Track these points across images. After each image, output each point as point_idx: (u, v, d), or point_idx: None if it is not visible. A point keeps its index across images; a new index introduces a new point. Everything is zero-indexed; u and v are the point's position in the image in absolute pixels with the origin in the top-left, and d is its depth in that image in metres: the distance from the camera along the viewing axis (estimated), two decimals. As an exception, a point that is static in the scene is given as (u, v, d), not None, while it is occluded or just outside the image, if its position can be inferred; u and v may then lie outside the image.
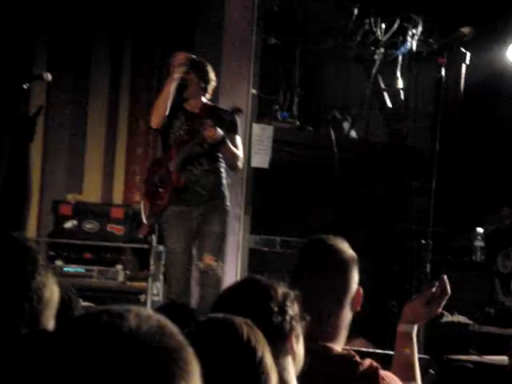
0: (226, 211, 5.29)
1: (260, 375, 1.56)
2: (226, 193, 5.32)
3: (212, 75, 5.43)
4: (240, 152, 5.41)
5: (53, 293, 1.35)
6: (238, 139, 5.42)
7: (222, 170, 5.36)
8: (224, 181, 5.35)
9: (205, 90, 5.41)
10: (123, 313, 1.08)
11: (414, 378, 2.59)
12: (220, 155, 5.34)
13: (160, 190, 5.30)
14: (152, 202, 5.30)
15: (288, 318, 1.91)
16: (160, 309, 3.21)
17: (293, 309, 1.93)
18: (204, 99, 5.44)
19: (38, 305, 1.32)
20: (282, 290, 1.97)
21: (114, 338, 1.05)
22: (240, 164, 5.46)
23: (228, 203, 5.32)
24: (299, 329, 1.93)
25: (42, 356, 1.07)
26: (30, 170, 6.20)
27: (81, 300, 5.29)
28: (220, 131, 5.23)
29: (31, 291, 1.31)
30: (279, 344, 1.87)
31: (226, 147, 5.29)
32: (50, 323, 1.35)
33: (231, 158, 5.33)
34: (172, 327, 1.10)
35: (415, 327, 2.71)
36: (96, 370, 1.03)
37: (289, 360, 1.92)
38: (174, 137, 5.39)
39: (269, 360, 1.58)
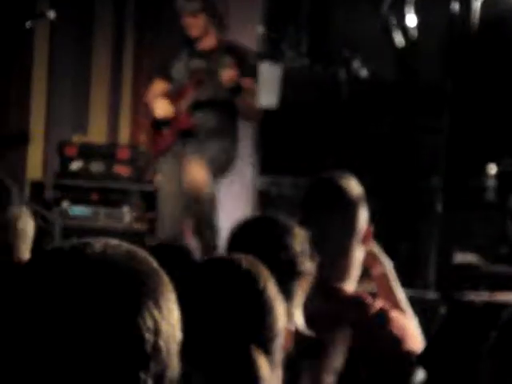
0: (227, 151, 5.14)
1: (263, 305, 1.55)
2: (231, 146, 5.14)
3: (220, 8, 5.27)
4: (257, 103, 5.25)
5: (27, 224, 1.33)
6: (253, 83, 5.27)
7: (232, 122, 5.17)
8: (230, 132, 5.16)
9: (218, 26, 5.25)
10: (88, 241, 1.07)
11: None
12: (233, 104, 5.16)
13: (163, 128, 5.21)
14: (154, 141, 5.22)
15: (302, 257, 1.90)
16: (154, 248, 3.14)
17: (306, 248, 1.93)
18: (213, 32, 5.29)
19: (11, 236, 1.31)
20: (297, 229, 1.97)
21: (76, 261, 1.04)
22: (256, 117, 5.29)
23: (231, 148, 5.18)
24: (311, 269, 1.92)
25: (8, 287, 1.05)
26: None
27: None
28: (237, 77, 5.04)
29: (5, 221, 1.30)
30: (292, 282, 1.86)
31: (243, 97, 5.11)
32: (25, 255, 1.33)
33: (247, 110, 5.16)
34: (142, 254, 1.08)
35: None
36: (61, 295, 1.01)
37: (300, 300, 1.91)
38: (179, 78, 5.25)
39: (272, 290, 1.57)
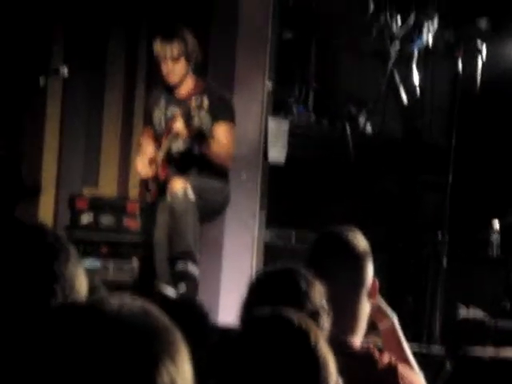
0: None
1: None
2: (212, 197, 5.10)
3: (194, 41, 5.11)
4: (228, 147, 5.10)
5: (82, 284, 1.37)
6: (229, 129, 5.12)
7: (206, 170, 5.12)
8: (206, 184, 5.10)
9: (197, 70, 5.22)
10: (104, 298, 1.08)
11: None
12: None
13: (149, 184, 5.25)
14: (145, 191, 5.27)
15: (322, 311, 1.91)
16: (170, 304, 3.19)
17: (325, 302, 1.94)
18: (192, 78, 5.19)
19: (69, 294, 1.34)
20: (317, 282, 1.97)
21: (92, 319, 1.05)
22: (229, 161, 5.18)
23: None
24: (328, 323, 1.93)
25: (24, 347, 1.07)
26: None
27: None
28: (193, 131, 4.97)
29: (64, 280, 1.33)
30: None
31: (206, 147, 5.01)
32: None
33: (217, 157, 5.07)
34: (156, 311, 1.09)
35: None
36: (79, 353, 1.03)
37: None
38: (156, 126, 5.25)
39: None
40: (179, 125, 4.96)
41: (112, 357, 1.02)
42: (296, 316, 1.59)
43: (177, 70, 5.15)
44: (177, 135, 5.03)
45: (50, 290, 1.32)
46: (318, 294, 2.01)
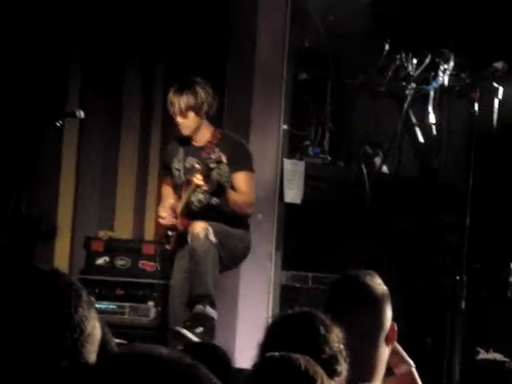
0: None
1: None
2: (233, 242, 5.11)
3: (206, 93, 5.12)
4: (248, 196, 5.19)
5: (95, 328, 1.35)
6: (248, 177, 5.20)
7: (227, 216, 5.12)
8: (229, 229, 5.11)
9: (206, 115, 5.22)
10: (156, 351, 1.09)
11: None
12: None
13: (169, 233, 5.26)
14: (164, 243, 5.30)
15: (340, 356, 1.89)
16: (191, 348, 3.17)
17: (343, 348, 1.92)
18: (207, 127, 5.22)
19: (80, 338, 1.32)
20: (335, 327, 1.95)
21: (150, 367, 1.06)
22: (250, 209, 5.23)
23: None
24: (346, 369, 1.91)
25: None
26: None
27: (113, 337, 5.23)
28: (213, 184, 5.00)
29: (74, 324, 1.31)
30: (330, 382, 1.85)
31: (226, 198, 5.05)
32: (92, 357, 1.34)
33: (238, 207, 5.10)
34: (203, 370, 1.10)
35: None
36: None
37: None
38: (176, 178, 5.28)
39: None
40: (198, 179, 4.97)
41: None
42: (304, 361, 1.58)
43: (186, 123, 5.18)
44: (196, 188, 5.05)
45: (59, 335, 1.31)
46: (337, 338, 1.99)
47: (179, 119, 5.19)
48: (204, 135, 5.25)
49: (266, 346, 1.99)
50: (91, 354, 1.35)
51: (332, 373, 1.94)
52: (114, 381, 1.06)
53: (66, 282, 1.37)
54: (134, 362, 1.08)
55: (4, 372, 1.28)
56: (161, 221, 5.38)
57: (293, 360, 1.60)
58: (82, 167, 6.47)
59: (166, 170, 5.55)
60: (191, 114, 5.15)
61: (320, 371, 1.57)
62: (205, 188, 5.00)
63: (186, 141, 5.30)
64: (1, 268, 1.38)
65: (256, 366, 1.63)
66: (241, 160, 5.16)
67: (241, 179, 5.14)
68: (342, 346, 1.98)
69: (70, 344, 1.32)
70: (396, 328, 2.46)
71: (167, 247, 5.34)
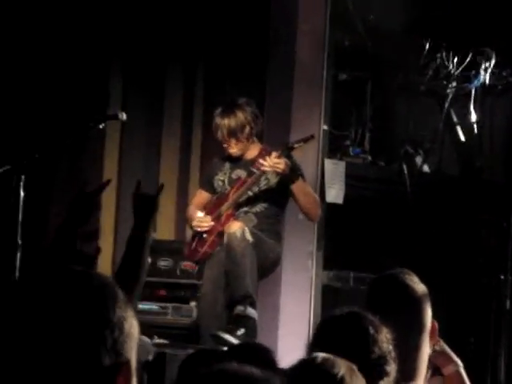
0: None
1: None
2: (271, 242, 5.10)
3: (249, 115, 5.12)
4: (314, 197, 5.18)
5: (132, 326, 1.37)
6: (307, 182, 5.21)
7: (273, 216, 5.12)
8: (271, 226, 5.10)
9: (253, 135, 5.19)
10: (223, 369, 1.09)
11: None
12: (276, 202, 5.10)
13: (204, 235, 5.24)
14: (194, 247, 5.28)
15: (389, 356, 1.89)
16: (234, 349, 3.18)
17: (392, 348, 1.92)
18: (255, 145, 5.24)
19: (119, 337, 1.34)
20: (383, 327, 1.95)
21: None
22: (318, 210, 5.21)
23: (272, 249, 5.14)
24: (394, 370, 1.91)
25: None
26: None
27: (156, 337, 5.27)
28: (289, 162, 4.99)
29: (113, 324, 1.33)
30: (379, 382, 1.85)
31: (298, 185, 5.01)
32: (132, 354, 1.36)
33: (307, 201, 5.06)
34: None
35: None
36: None
37: None
38: (218, 188, 5.27)
39: None
40: (270, 162, 4.94)
41: None
42: (344, 366, 1.57)
43: (234, 144, 5.17)
44: (262, 174, 5.03)
45: (99, 336, 1.33)
46: (385, 339, 1.99)
47: (226, 143, 5.19)
48: (253, 152, 5.26)
49: (314, 346, 1.99)
50: (131, 351, 1.38)
51: (381, 373, 1.94)
52: None
53: (101, 282, 1.39)
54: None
55: (48, 376, 1.30)
56: (194, 222, 5.32)
57: (333, 366, 1.59)
58: (123, 169, 6.53)
59: (205, 184, 5.52)
60: (236, 138, 5.16)
61: (355, 377, 1.56)
62: (281, 167, 4.92)
63: (232, 157, 5.29)
64: (38, 271, 1.40)
65: (295, 365, 1.63)
66: (296, 169, 5.16)
67: (301, 184, 5.12)
68: (390, 347, 1.98)
69: (111, 344, 1.33)
70: (436, 326, 2.46)
71: (199, 249, 5.28)
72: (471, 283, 6.63)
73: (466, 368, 2.68)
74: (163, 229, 6.45)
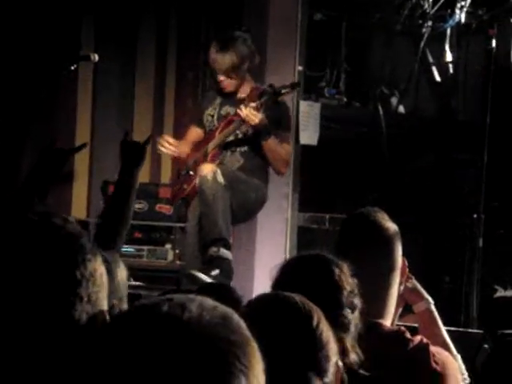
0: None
1: (318, 339, 1.57)
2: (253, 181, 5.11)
3: (248, 50, 5.09)
4: (286, 153, 5.16)
5: (103, 275, 1.36)
6: (287, 137, 5.18)
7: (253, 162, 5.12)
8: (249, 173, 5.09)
9: (248, 71, 5.18)
10: (185, 302, 1.05)
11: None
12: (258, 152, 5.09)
13: (191, 172, 5.23)
14: (179, 185, 5.27)
15: (355, 292, 1.92)
16: (203, 289, 3.20)
17: (355, 284, 1.94)
18: (248, 81, 5.23)
19: (92, 290, 1.33)
20: (345, 265, 1.98)
21: (173, 327, 1.03)
22: (284, 168, 5.21)
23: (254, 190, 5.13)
24: (360, 302, 1.94)
25: (99, 347, 1.06)
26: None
27: (131, 279, 5.28)
28: (264, 120, 4.95)
29: (86, 279, 1.32)
30: (349, 317, 1.88)
31: (269, 143, 5.04)
32: (104, 303, 1.36)
33: (274, 159, 5.06)
34: (237, 319, 1.07)
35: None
36: (152, 360, 1.01)
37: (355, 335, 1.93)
38: (207, 124, 5.25)
39: (325, 326, 1.59)
40: (247, 112, 4.90)
41: (187, 368, 1.01)
42: (299, 297, 1.61)
43: (229, 81, 5.12)
44: (242, 123, 5.00)
45: (73, 295, 1.31)
46: (350, 278, 2.02)
47: (222, 78, 5.13)
48: (245, 90, 5.22)
49: (278, 286, 2.01)
50: (103, 301, 1.37)
51: (352, 307, 1.98)
52: (129, 336, 1.05)
53: (67, 236, 1.36)
54: (153, 316, 1.05)
55: (19, 334, 1.28)
56: (161, 147, 5.28)
57: (287, 297, 1.62)
58: (97, 112, 6.48)
59: (196, 120, 5.47)
60: (234, 73, 5.10)
61: (316, 308, 1.59)
62: (254, 121, 4.90)
63: (223, 93, 5.25)
64: (3, 221, 1.37)
65: (251, 303, 1.64)
66: (281, 121, 5.12)
67: (271, 143, 5.08)
68: (355, 280, 2.02)
69: (87, 300, 1.32)
70: (406, 263, 2.48)
71: (184, 187, 5.29)
72: (446, 222, 6.68)
73: (440, 306, 2.71)
74: (138, 172, 6.42)
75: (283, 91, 5.09)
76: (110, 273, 2.32)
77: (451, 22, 6.80)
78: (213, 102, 5.30)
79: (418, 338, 2.33)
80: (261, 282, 5.67)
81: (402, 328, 2.38)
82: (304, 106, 6.35)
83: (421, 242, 6.37)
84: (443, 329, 2.62)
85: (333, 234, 6.11)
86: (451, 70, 6.94)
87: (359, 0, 6.85)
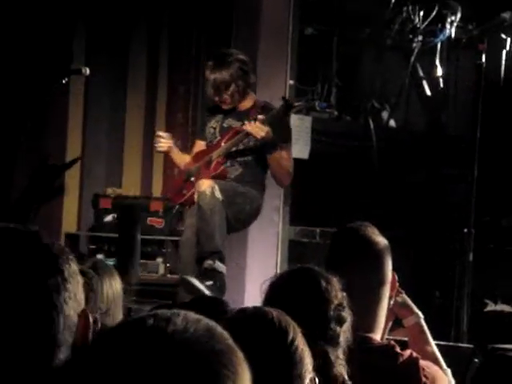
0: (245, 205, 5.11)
1: (293, 355, 1.57)
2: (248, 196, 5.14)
3: (241, 67, 5.11)
4: (290, 166, 5.21)
5: (81, 293, 1.36)
6: (289, 151, 5.21)
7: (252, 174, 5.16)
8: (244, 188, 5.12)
9: (241, 89, 5.19)
10: (170, 316, 1.07)
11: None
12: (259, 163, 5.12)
13: (192, 179, 5.23)
14: (179, 191, 5.27)
15: (343, 306, 1.92)
16: (197, 302, 3.19)
17: (345, 298, 1.94)
18: (249, 95, 5.24)
19: (74, 297, 1.33)
20: (334, 279, 1.98)
21: (159, 340, 1.05)
22: (287, 181, 5.26)
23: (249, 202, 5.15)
24: (350, 317, 1.94)
25: (86, 361, 1.07)
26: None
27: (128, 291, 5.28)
28: (270, 133, 4.98)
29: (61, 304, 1.32)
30: (337, 331, 1.88)
31: (274, 156, 5.07)
32: (82, 303, 1.36)
33: (279, 171, 5.11)
34: (221, 331, 1.08)
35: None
36: (139, 373, 1.02)
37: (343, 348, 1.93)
38: (209, 136, 5.27)
39: (301, 342, 1.59)
40: (252, 126, 4.92)
41: (174, 380, 1.02)
42: (276, 313, 1.62)
43: (223, 98, 5.14)
44: (246, 136, 5.02)
45: (48, 317, 1.31)
46: (338, 291, 2.02)
47: (216, 98, 5.15)
48: (247, 104, 5.23)
49: (268, 302, 2.02)
50: (83, 301, 1.37)
51: (340, 321, 1.98)
52: (116, 351, 1.05)
53: (47, 254, 1.36)
54: (139, 330, 1.06)
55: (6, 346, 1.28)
56: (157, 145, 5.28)
57: (265, 312, 1.63)
58: (88, 126, 6.48)
59: (199, 134, 5.49)
60: (222, 93, 5.12)
61: (293, 323, 1.60)
62: (261, 135, 4.92)
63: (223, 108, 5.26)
64: None
65: (230, 317, 1.65)
66: (283, 134, 5.14)
67: (277, 156, 5.11)
68: (344, 294, 2.02)
69: (63, 323, 1.32)
70: (396, 277, 2.48)
71: (184, 192, 5.29)
72: (436, 237, 6.69)
73: (430, 320, 2.71)
74: (129, 185, 6.43)
75: (296, 104, 5.12)
76: (92, 287, 2.32)
77: (441, 37, 6.83)
78: (215, 116, 5.32)
79: (407, 352, 2.33)
80: (251, 295, 5.67)
81: (392, 342, 2.38)
82: (295, 119, 6.36)
83: (411, 257, 6.38)
84: (433, 343, 2.62)
85: (323, 248, 6.10)
86: (441, 85, 6.96)
87: (350, 15, 6.88)
